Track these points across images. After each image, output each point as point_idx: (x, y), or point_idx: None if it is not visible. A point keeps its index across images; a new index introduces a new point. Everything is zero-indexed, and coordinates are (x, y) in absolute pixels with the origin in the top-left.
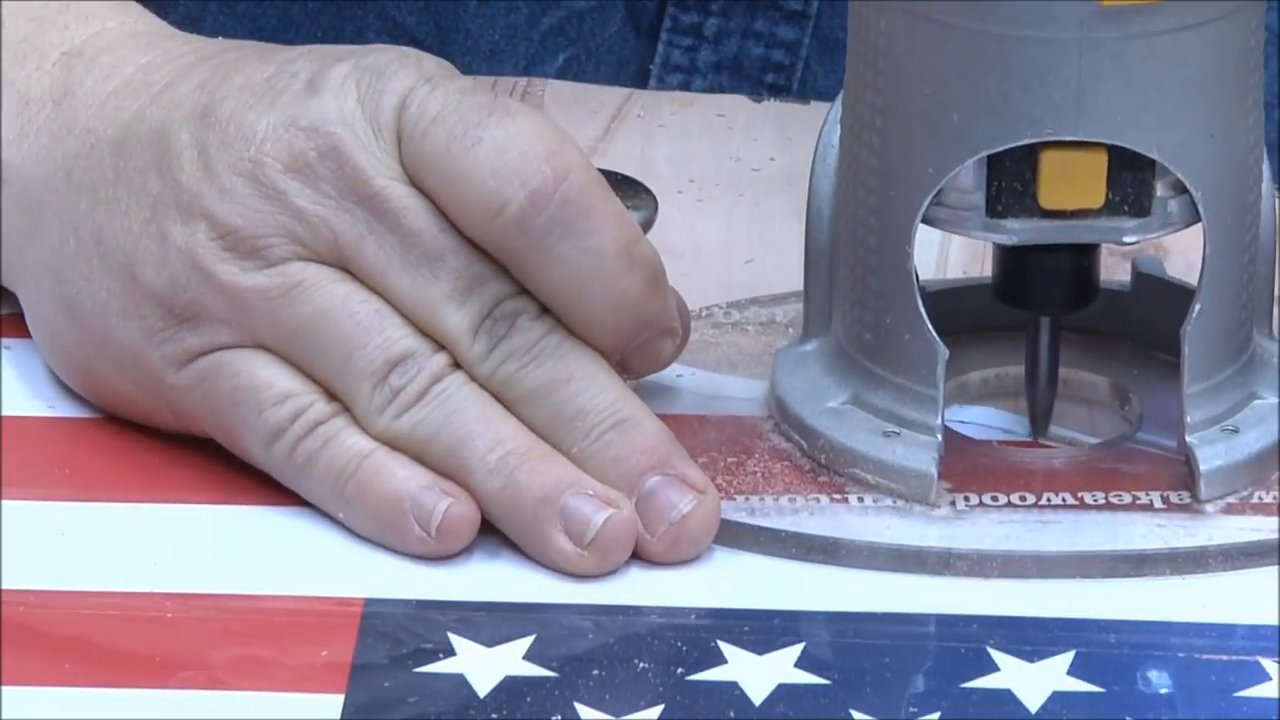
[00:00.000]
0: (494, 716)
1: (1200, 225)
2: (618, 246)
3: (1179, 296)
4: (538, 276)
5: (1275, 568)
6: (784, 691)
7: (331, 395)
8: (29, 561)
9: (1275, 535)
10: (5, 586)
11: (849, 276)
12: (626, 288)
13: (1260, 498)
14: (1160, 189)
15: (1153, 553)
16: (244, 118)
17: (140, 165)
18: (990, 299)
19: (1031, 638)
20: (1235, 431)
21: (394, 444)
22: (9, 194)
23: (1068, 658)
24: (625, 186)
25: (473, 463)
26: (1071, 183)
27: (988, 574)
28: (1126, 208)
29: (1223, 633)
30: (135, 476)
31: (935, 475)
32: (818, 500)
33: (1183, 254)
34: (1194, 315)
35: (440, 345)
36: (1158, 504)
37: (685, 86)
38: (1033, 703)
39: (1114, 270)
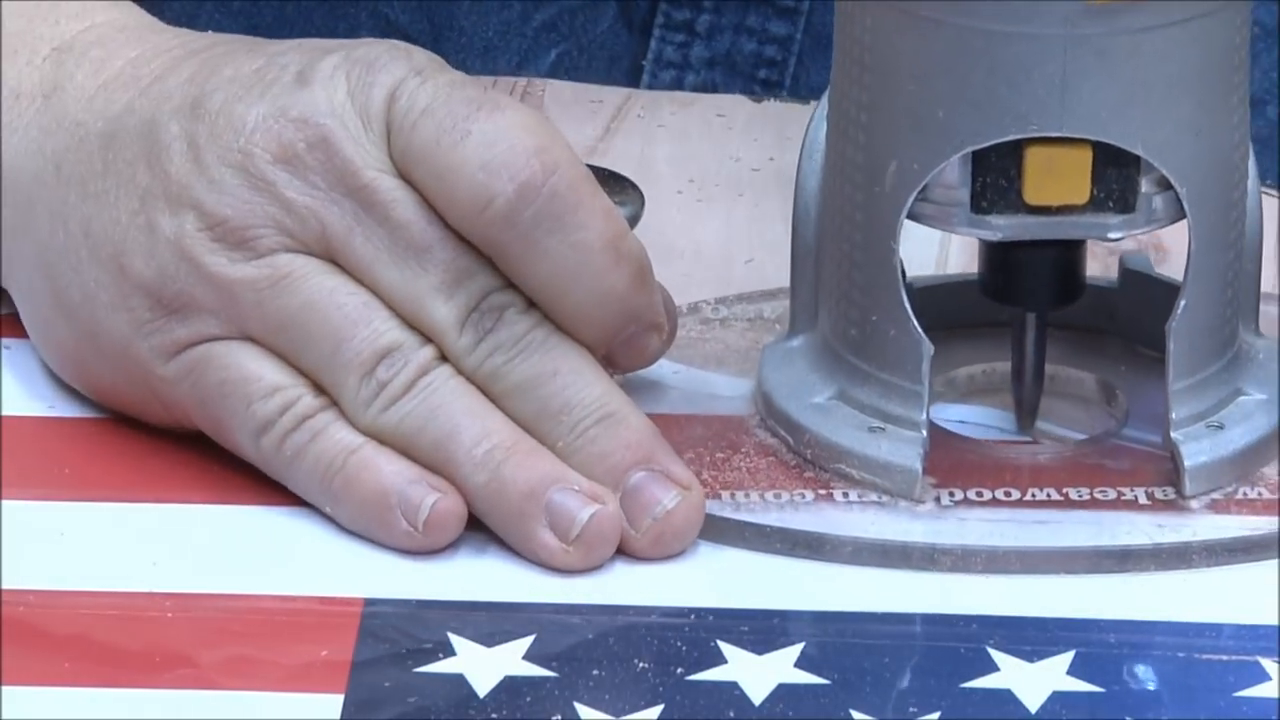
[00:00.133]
0: (494, 716)
1: (1185, 222)
2: (605, 241)
3: (1166, 293)
4: (525, 270)
5: (1260, 564)
6: (784, 691)
7: (320, 388)
8: (29, 561)
9: (1260, 532)
10: (5, 586)
11: (835, 272)
12: (613, 283)
13: (1245, 494)
14: (1145, 185)
15: (1137, 549)
16: (233, 109)
17: (129, 157)
18: (979, 295)
19: (1031, 637)
20: (1220, 428)
21: (381, 437)
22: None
23: (1067, 658)
24: (612, 182)
25: (459, 457)
26: (1056, 179)
27: (972, 569)
28: (1111, 204)
29: (1223, 633)
30: (135, 476)
31: (920, 470)
32: (803, 495)
33: (1181, 254)
34: (1179, 311)
35: (427, 338)
36: (1142, 500)
37: (678, 82)
38: (1032, 703)
39: (1110, 268)
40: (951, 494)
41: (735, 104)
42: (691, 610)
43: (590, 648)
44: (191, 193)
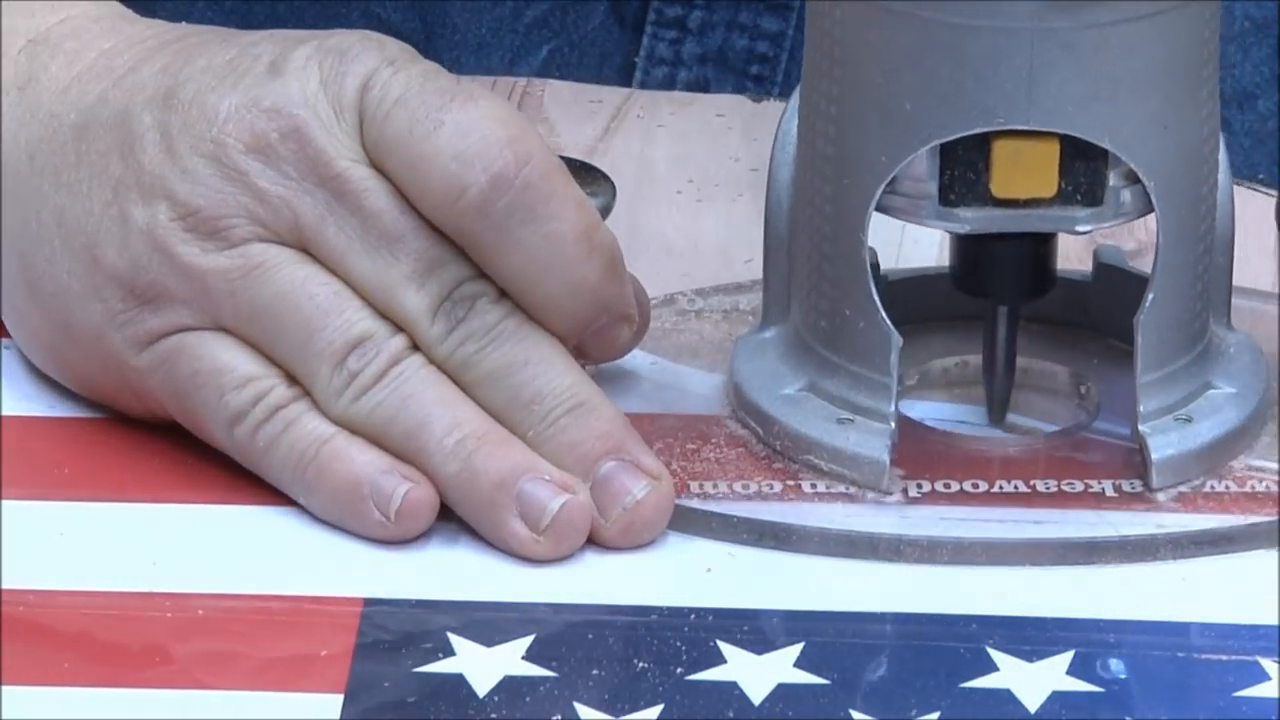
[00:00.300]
0: (493, 716)
1: (1154, 215)
2: (577, 232)
3: (1140, 287)
4: (497, 261)
5: (1227, 557)
6: (783, 691)
7: (293, 378)
8: (29, 561)
9: (1227, 525)
10: (5, 586)
11: (805, 264)
12: (585, 273)
13: (1213, 487)
14: (1113, 179)
15: (1103, 541)
16: (206, 99)
17: (102, 148)
18: (953, 288)
19: (1031, 637)
20: (1189, 421)
21: (353, 427)
22: None
23: (1067, 657)
24: (583, 173)
25: (430, 446)
26: (1024, 172)
27: (938, 560)
28: (1079, 197)
29: (1223, 633)
30: (135, 476)
31: (887, 462)
32: (771, 486)
33: None
34: (1147, 304)
35: (399, 328)
36: (1110, 492)
37: (670, 79)
38: (1032, 702)
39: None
40: (919, 485)
41: (735, 104)
42: (691, 610)
43: (590, 648)
44: (164, 183)
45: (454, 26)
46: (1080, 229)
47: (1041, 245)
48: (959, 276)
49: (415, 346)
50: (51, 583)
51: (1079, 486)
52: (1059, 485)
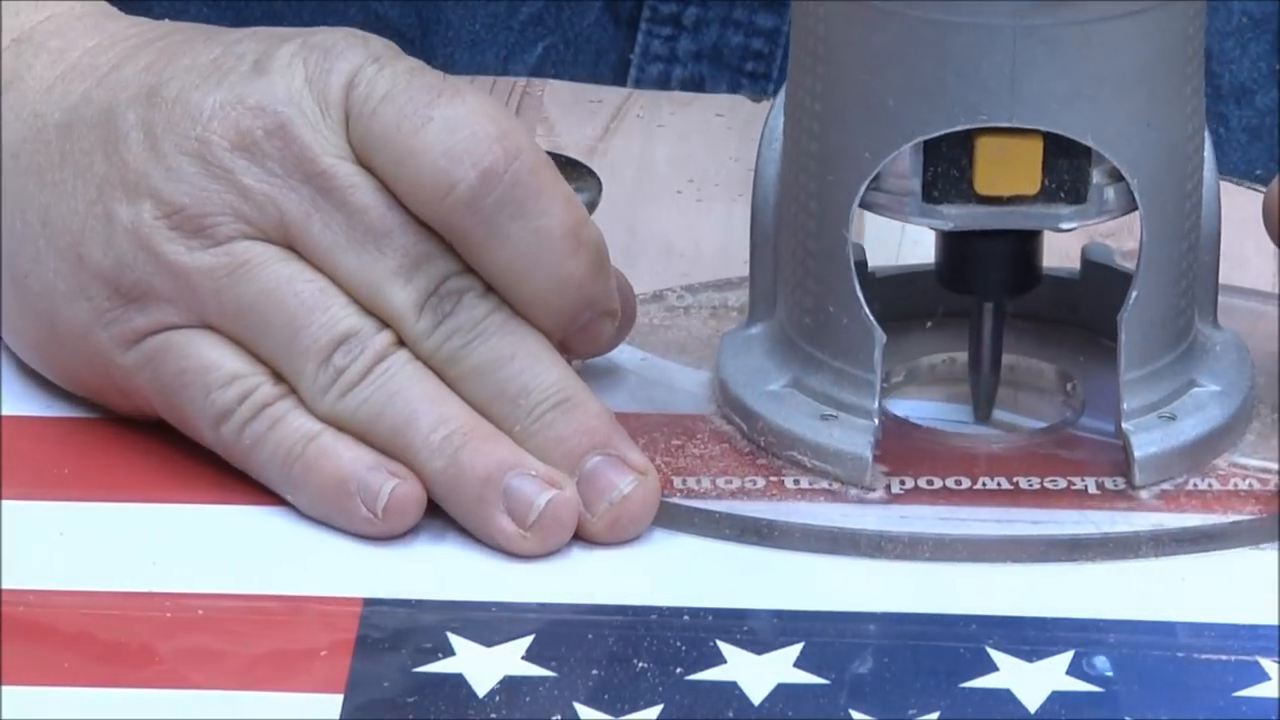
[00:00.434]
0: (493, 716)
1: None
2: (565, 228)
3: (1128, 285)
4: (485, 256)
5: (1210, 555)
6: (783, 691)
7: (279, 375)
8: (29, 561)
9: (1209, 523)
10: (5, 586)
11: (790, 261)
12: (572, 269)
13: (1196, 485)
14: (1097, 176)
15: (1085, 538)
16: (190, 97)
17: (87, 147)
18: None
19: (1030, 637)
20: (1172, 419)
21: (339, 424)
22: None
23: (1067, 657)
24: (569, 168)
25: (416, 443)
26: (1007, 169)
27: (919, 557)
28: (1063, 194)
29: (1223, 633)
30: (135, 476)
31: (870, 458)
32: (754, 482)
33: None
34: (1131, 302)
35: (385, 324)
36: (1093, 490)
37: (665, 76)
38: (1032, 702)
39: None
40: (902, 482)
41: (734, 104)
42: (691, 610)
43: (590, 648)
44: (149, 181)
45: (448, 23)
46: (1064, 226)
47: (1026, 242)
48: (944, 273)
49: (401, 342)
50: (51, 583)
51: (1062, 484)
52: (1042, 482)
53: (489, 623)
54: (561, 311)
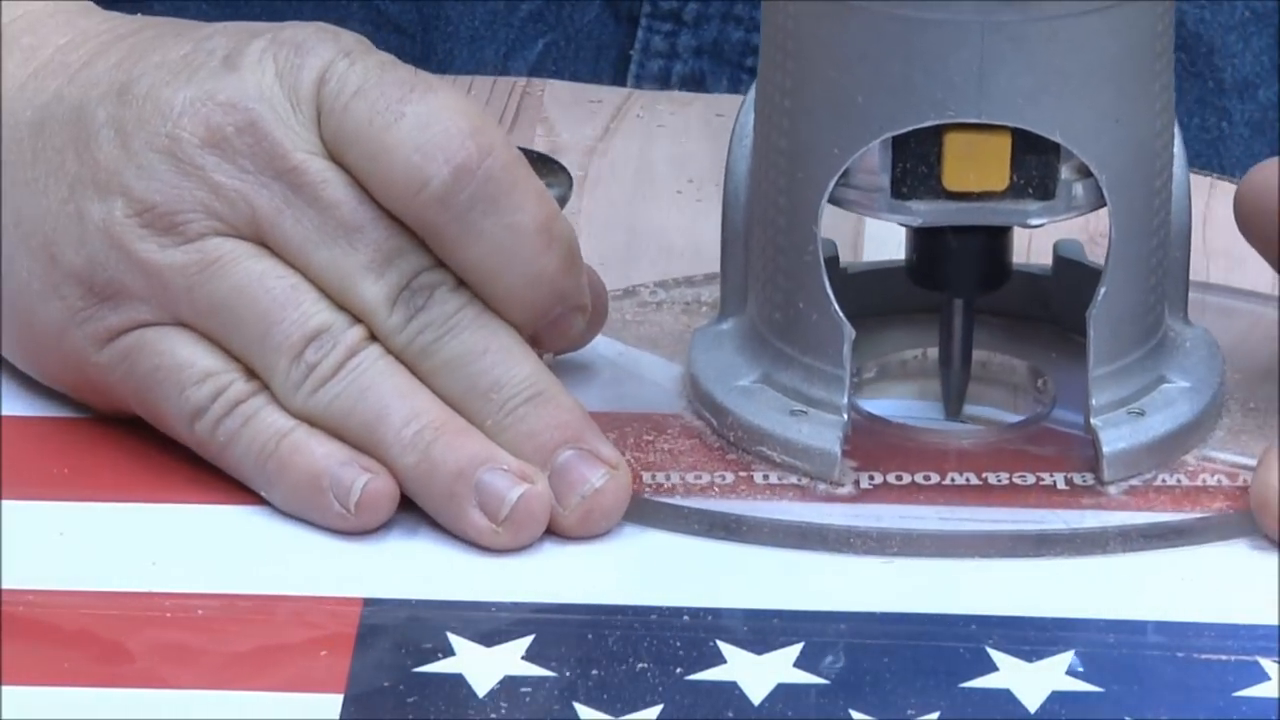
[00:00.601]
0: (493, 716)
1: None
2: (538, 224)
3: (1098, 281)
4: (458, 252)
5: (1178, 550)
6: (783, 691)
7: (252, 372)
8: (28, 561)
9: (1178, 518)
10: (5, 586)
11: (760, 256)
12: (544, 264)
13: (1164, 480)
14: (1065, 172)
15: (1053, 534)
16: (160, 94)
17: (58, 145)
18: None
19: (1030, 637)
20: (1141, 414)
21: (312, 420)
22: None
23: (1066, 657)
24: (541, 164)
25: (388, 438)
26: (975, 165)
27: (887, 552)
28: (1031, 190)
29: (1223, 633)
30: (136, 477)
31: (839, 454)
32: (724, 478)
33: None
34: (1099, 298)
35: (357, 319)
36: (1061, 485)
37: (665, 72)
38: (1032, 703)
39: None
40: (871, 477)
41: (735, 104)
42: (690, 610)
43: (590, 648)
44: (120, 179)
45: (449, 19)
46: (1032, 222)
47: (996, 238)
48: (914, 269)
49: (373, 338)
50: (51, 583)
51: (1030, 479)
52: (1010, 478)
53: (489, 623)
54: (533, 306)
